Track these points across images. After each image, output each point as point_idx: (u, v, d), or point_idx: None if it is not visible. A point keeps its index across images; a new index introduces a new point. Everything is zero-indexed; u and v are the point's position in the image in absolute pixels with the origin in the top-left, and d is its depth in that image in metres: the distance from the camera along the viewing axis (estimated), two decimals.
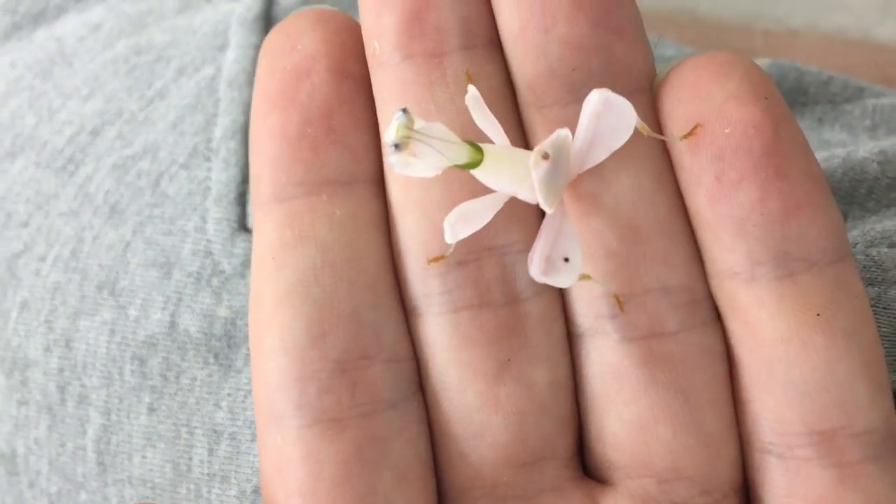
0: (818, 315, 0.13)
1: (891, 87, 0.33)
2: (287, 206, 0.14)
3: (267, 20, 0.22)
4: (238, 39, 0.22)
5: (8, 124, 0.22)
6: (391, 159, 0.13)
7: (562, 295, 0.14)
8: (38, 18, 0.25)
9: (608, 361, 0.14)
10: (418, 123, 0.13)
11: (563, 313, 0.14)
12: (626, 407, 0.14)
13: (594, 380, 0.14)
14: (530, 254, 0.13)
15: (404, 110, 0.13)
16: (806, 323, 0.13)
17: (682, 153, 0.14)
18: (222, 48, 0.22)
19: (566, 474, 0.14)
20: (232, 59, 0.21)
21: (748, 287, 0.13)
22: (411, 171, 0.13)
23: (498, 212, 0.14)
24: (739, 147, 0.13)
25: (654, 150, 0.14)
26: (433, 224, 0.14)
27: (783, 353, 0.13)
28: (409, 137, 0.13)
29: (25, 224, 0.21)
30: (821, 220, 0.13)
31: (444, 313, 0.14)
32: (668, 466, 0.14)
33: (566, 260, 0.13)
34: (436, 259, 0.14)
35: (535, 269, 0.13)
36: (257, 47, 0.22)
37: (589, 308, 0.14)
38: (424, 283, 0.14)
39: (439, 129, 0.13)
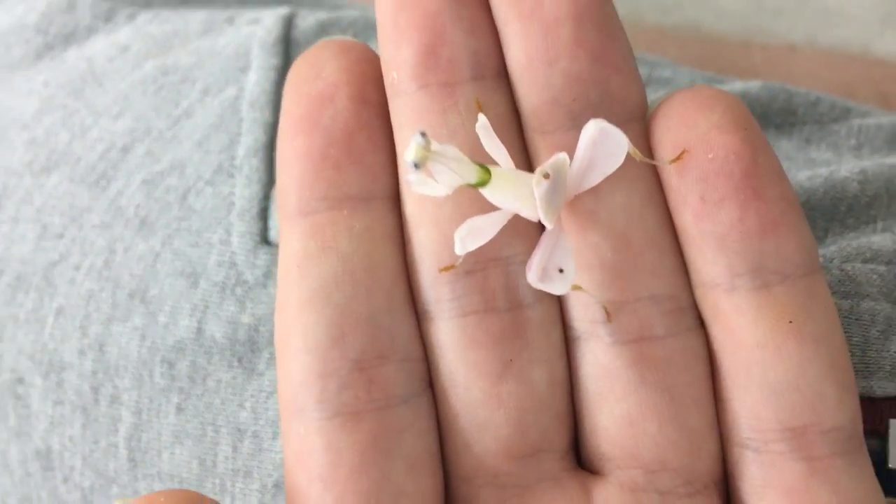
0: (791, 322, 0.15)
1: (887, 102, 0.34)
2: (311, 220, 0.15)
3: (286, 43, 0.24)
4: (259, 62, 0.23)
5: (43, 141, 0.24)
6: (409, 177, 0.15)
7: (560, 302, 0.16)
8: (69, 39, 0.26)
9: (601, 362, 0.15)
10: (434, 145, 0.14)
11: (561, 319, 0.16)
12: (618, 404, 0.15)
13: (588, 379, 0.16)
14: (528, 263, 0.15)
15: (423, 133, 0.14)
16: (780, 329, 0.15)
17: (671, 175, 0.15)
18: (244, 69, 0.23)
19: (562, 466, 0.16)
20: (254, 81, 0.23)
21: (728, 296, 0.15)
22: (427, 189, 0.15)
23: (502, 227, 0.15)
24: (721, 171, 0.15)
25: (645, 173, 0.15)
26: (444, 237, 0.15)
27: (759, 356, 0.15)
28: (426, 157, 0.14)
29: (61, 235, 0.22)
30: (794, 238, 0.15)
31: (453, 317, 0.15)
32: (655, 458, 0.15)
33: (561, 271, 0.15)
34: (446, 268, 0.15)
35: (533, 276, 0.15)
36: (277, 69, 0.23)
37: (584, 314, 0.15)
38: (435, 290, 0.15)
39: (453, 150, 0.14)
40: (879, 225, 0.20)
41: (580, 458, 0.16)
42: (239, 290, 0.20)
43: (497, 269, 0.15)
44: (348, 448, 0.15)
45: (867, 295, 0.18)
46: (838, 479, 0.15)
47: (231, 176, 0.22)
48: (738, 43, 0.39)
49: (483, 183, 0.15)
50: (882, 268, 0.19)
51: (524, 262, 0.15)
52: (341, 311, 0.15)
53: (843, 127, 0.23)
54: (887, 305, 0.18)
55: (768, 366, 0.15)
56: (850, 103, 0.24)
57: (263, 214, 0.21)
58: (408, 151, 0.14)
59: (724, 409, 0.15)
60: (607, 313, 0.15)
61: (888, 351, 0.18)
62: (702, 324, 0.16)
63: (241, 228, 0.21)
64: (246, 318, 0.20)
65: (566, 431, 0.16)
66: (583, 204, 0.15)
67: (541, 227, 0.15)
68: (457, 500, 0.16)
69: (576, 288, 0.15)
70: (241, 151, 0.22)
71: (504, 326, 0.15)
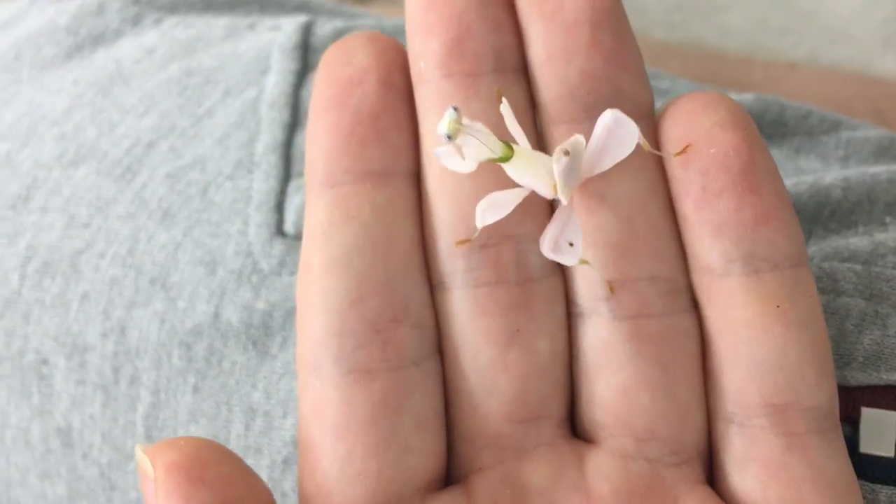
0: (777, 307, 0.16)
1: (882, 118, 0.35)
2: (336, 191, 0.17)
3: (304, 49, 0.25)
4: (279, 65, 0.24)
5: (72, 136, 0.25)
6: (438, 150, 0.16)
7: (565, 279, 0.17)
8: (98, 41, 0.27)
9: (601, 336, 0.17)
10: (465, 120, 0.16)
11: (566, 295, 0.17)
12: (614, 375, 0.16)
13: (588, 352, 0.17)
14: (542, 235, 0.16)
15: (455, 108, 0.16)
16: (767, 313, 0.16)
17: (675, 167, 0.16)
18: (264, 72, 0.25)
19: (559, 433, 0.17)
20: (273, 83, 0.24)
21: (722, 281, 0.16)
22: (453, 163, 0.16)
23: (517, 207, 0.16)
24: (722, 165, 0.16)
25: (652, 165, 0.17)
26: (462, 212, 0.17)
27: (747, 336, 0.16)
28: (458, 130, 0.16)
29: (87, 225, 0.24)
30: (784, 230, 0.16)
31: (466, 288, 0.17)
32: (645, 428, 0.16)
33: (570, 245, 0.16)
34: (462, 242, 0.17)
35: (546, 247, 0.16)
36: (295, 72, 0.24)
37: (588, 291, 0.17)
38: (451, 262, 0.17)
39: (480, 126, 0.16)
40: (861, 230, 0.21)
41: (575, 429, 0.17)
42: (255, 278, 0.22)
43: (509, 245, 0.17)
44: (361, 403, 0.16)
45: (843, 291, 0.20)
46: (814, 454, 0.16)
47: (250, 171, 0.23)
48: (740, 60, 0.40)
49: (507, 158, 0.16)
50: (858, 266, 0.20)
51: (535, 240, 0.17)
52: (361, 276, 0.16)
53: (832, 139, 0.24)
54: (862, 301, 0.19)
55: (755, 345, 0.16)
56: (840, 116, 0.25)
57: (279, 207, 0.22)
58: (441, 124, 0.15)
59: (713, 385, 0.17)
60: (609, 290, 0.16)
61: (861, 343, 0.19)
62: (695, 306, 0.17)
63: (258, 220, 0.22)
64: (261, 304, 0.21)
65: (564, 401, 0.17)
66: (593, 187, 0.17)
67: (551, 209, 0.17)
68: (458, 459, 0.17)
69: (583, 262, 0.16)
70: (259, 149, 0.23)
71: (513, 298, 0.16)
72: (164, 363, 0.22)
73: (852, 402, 0.19)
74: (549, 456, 0.17)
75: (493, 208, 0.16)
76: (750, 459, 0.16)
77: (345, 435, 0.16)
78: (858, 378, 0.19)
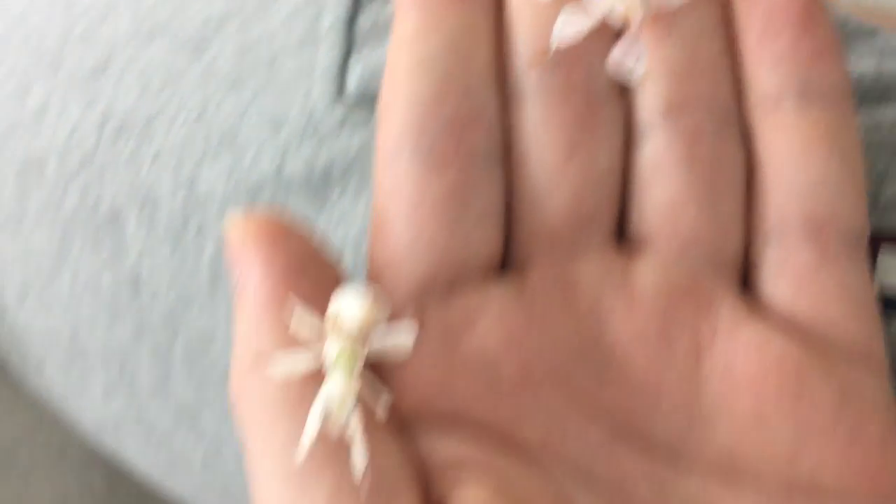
0: (822, 137, 0.18)
1: None
2: (424, 7, 0.18)
3: None
4: None
5: (146, 14, 0.27)
6: None
7: (629, 99, 0.19)
8: None
9: (656, 154, 0.19)
10: None
11: (628, 114, 0.19)
12: (665, 188, 0.18)
13: (643, 166, 0.19)
14: (611, 52, 0.18)
15: None
16: (813, 141, 0.18)
17: (742, 6, 0.19)
18: None
19: (608, 239, 0.19)
20: None
21: (774, 111, 0.18)
22: None
23: (590, 31, 0.18)
24: (784, 6, 0.18)
25: (717, 8, 0.19)
26: (539, 32, 0.18)
27: (793, 161, 0.18)
28: None
29: (160, 92, 0.26)
30: (835, 67, 0.18)
31: (538, 101, 0.18)
32: (689, 237, 0.18)
33: (635, 65, 0.18)
34: (538, 57, 0.18)
35: (612, 66, 0.18)
36: None
37: (648, 112, 0.19)
38: (526, 77, 0.19)
39: None
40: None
41: (623, 238, 0.19)
42: (316, 137, 0.24)
43: (580, 66, 0.19)
44: (434, 190, 0.18)
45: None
46: (843, 271, 0.18)
47: (314, 45, 0.25)
48: None
49: None
50: None
51: (604, 63, 0.19)
52: (443, 77, 0.18)
53: (866, 45, 0.26)
54: None
55: (799, 169, 0.18)
56: (878, 26, 0.27)
57: (342, 76, 0.24)
58: None
59: (756, 205, 0.19)
60: (668, 111, 0.18)
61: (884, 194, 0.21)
62: (746, 136, 0.19)
63: (322, 86, 0.24)
64: (321, 160, 0.23)
65: (615, 211, 0.19)
66: (662, 20, 0.19)
67: (619, 37, 0.19)
68: (515, 255, 0.19)
69: (644, 83, 0.18)
70: (325, 24, 0.25)
71: (579, 113, 0.18)
72: (229, 213, 0.24)
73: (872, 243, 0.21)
74: (598, 258, 0.19)
75: (569, 30, 0.18)
76: (783, 271, 0.18)
77: (417, 214, 0.18)
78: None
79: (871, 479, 0.18)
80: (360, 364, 0.17)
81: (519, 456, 0.18)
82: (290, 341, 0.17)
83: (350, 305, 0.17)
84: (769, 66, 0.18)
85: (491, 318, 0.18)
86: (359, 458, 0.16)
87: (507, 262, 0.19)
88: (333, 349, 0.17)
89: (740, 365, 0.18)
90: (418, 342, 0.18)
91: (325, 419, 0.16)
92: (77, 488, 0.38)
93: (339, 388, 0.16)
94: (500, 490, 0.17)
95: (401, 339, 0.17)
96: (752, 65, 0.18)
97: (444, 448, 0.18)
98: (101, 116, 0.26)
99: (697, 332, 0.18)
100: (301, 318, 0.17)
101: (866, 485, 0.18)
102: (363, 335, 0.17)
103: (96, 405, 0.28)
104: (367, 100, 0.23)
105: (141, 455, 0.29)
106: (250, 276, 0.17)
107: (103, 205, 0.25)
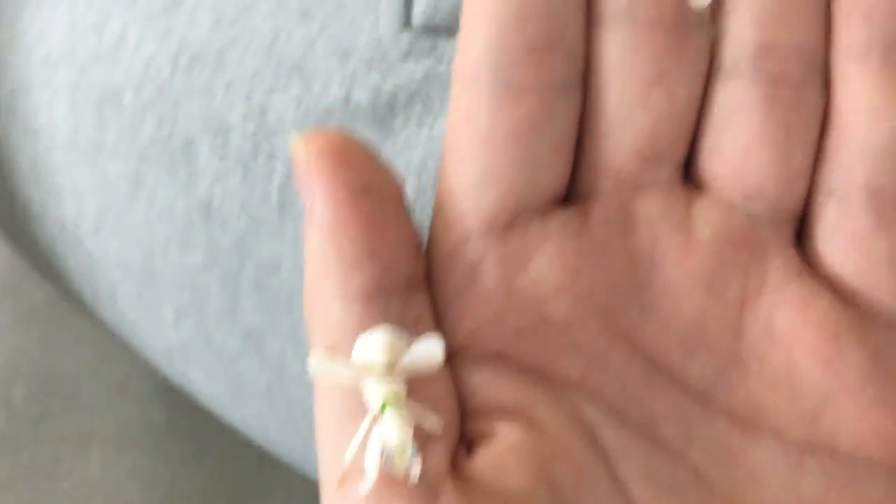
0: None
1: None
2: None
3: None
4: None
5: None
6: None
7: (717, 37, 0.19)
8: None
9: (738, 93, 0.18)
10: None
11: (713, 51, 0.19)
12: (742, 130, 0.18)
13: (722, 106, 0.18)
14: None
15: None
16: (890, 100, 0.18)
17: None
18: None
19: (675, 176, 0.19)
20: None
21: (859, 63, 0.18)
22: None
23: None
24: None
25: None
26: None
27: (868, 119, 0.18)
28: None
29: (232, 24, 0.26)
30: None
31: (623, 27, 0.18)
32: (756, 184, 0.18)
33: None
34: None
35: None
36: None
37: (734, 50, 0.18)
38: (613, 1, 0.18)
39: None
40: None
41: (689, 177, 0.19)
42: (383, 65, 0.24)
43: None
44: (509, 117, 0.18)
45: None
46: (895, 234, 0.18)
47: None
48: None
49: None
50: None
51: None
52: (522, 4, 0.18)
53: None
54: None
55: (873, 128, 0.18)
56: None
57: (408, 6, 0.25)
58: None
59: (824, 160, 0.18)
60: (757, 53, 0.18)
61: None
62: (828, 85, 0.19)
63: (388, 16, 0.25)
64: (387, 88, 0.24)
65: (685, 147, 0.19)
66: None
67: None
68: (581, 185, 0.19)
69: (736, 20, 0.18)
70: None
71: (665, 43, 0.18)
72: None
73: None
74: (662, 194, 0.19)
75: None
76: (839, 231, 0.18)
77: (490, 143, 0.18)
78: None
79: (888, 444, 0.18)
80: (405, 406, 0.17)
81: (555, 393, 0.18)
82: (353, 262, 0.17)
83: (374, 351, 0.17)
84: (859, 18, 0.18)
85: (548, 255, 0.18)
86: (415, 473, 0.16)
87: (572, 190, 0.19)
88: (374, 394, 0.17)
89: (781, 320, 0.18)
90: (477, 275, 0.18)
91: (385, 460, 0.16)
92: (138, 422, 0.40)
93: (396, 437, 0.16)
94: (533, 430, 0.17)
95: (430, 352, 0.17)
96: (842, 16, 0.18)
97: (485, 387, 0.18)
98: (175, 48, 0.27)
99: (747, 281, 0.18)
100: (328, 368, 0.17)
101: (883, 451, 0.18)
102: (396, 374, 0.17)
103: (166, 331, 0.29)
104: (432, 29, 0.24)
105: (207, 381, 0.30)
106: (315, 194, 0.17)
107: (177, 134, 0.26)
